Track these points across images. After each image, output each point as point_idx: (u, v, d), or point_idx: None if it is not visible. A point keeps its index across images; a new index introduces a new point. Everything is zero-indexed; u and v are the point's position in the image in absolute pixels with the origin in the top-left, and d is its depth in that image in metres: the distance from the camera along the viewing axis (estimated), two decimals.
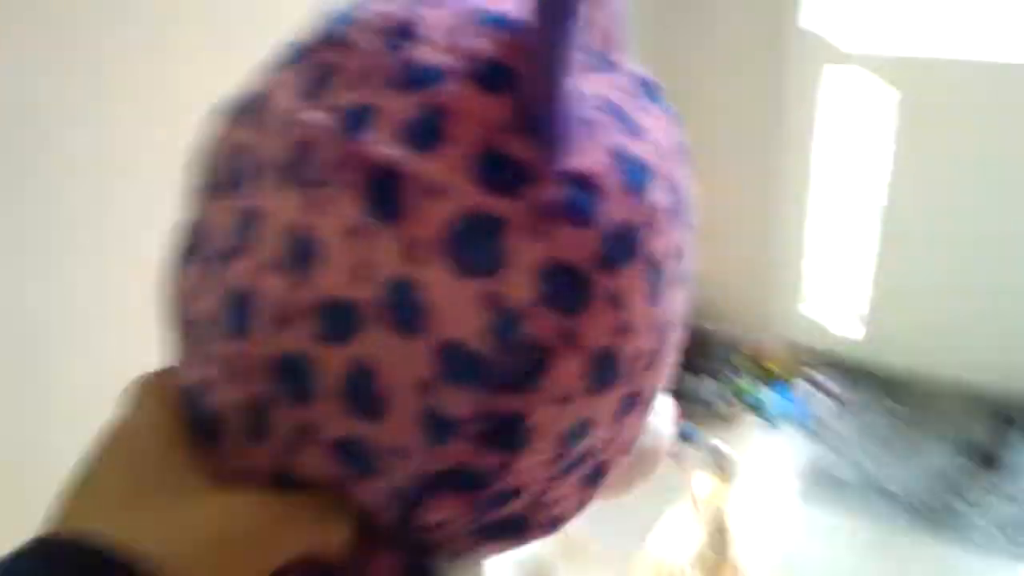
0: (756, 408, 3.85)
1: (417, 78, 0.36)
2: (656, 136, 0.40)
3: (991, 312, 3.58)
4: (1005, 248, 3.43)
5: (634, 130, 0.39)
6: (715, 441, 2.64)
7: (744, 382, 3.87)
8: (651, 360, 0.40)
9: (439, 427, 0.35)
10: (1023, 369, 3.72)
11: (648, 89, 0.42)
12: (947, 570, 3.25)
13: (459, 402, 0.35)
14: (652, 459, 0.50)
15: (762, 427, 3.80)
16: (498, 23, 0.38)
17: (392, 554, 0.40)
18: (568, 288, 0.35)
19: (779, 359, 3.95)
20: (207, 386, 0.39)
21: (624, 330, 0.37)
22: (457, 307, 0.33)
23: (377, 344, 0.34)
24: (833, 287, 3.88)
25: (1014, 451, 3.58)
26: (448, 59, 0.36)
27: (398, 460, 0.36)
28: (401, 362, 0.34)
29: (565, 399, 0.36)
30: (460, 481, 0.37)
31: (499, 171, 0.34)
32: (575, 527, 0.46)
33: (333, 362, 0.34)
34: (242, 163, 0.39)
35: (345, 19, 0.40)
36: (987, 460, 3.61)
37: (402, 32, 0.37)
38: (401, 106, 0.35)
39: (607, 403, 0.39)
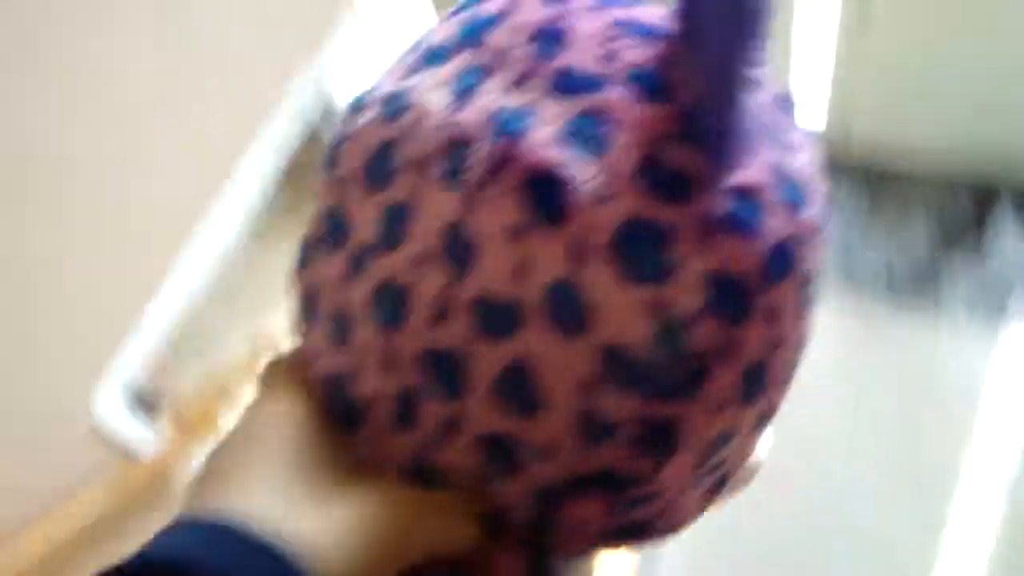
0: None
1: (576, 84, 0.36)
2: (804, 153, 0.42)
3: (970, 80, 3.50)
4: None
5: (788, 145, 0.40)
6: None
7: None
8: (788, 375, 0.42)
9: (595, 429, 0.36)
10: (1006, 139, 3.71)
11: (786, 105, 0.43)
12: (925, 347, 3.50)
13: (618, 406, 0.35)
14: (750, 474, 0.50)
15: None
16: (651, 33, 0.38)
17: (518, 552, 0.40)
18: (732, 299, 0.36)
19: None
20: (352, 375, 0.39)
21: (777, 344, 0.39)
22: (622, 312, 0.34)
23: (537, 343, 0.34)
24: (802, 63, 3.81)
25: (997, 225, 3.69)
26: (605, 67, 0.37)
27: (547, 460, 0.36)
28: (562, 362, 0.35)
29: (719, 408, 0.37)
30: (607, 483, 0.37)
31: (665, 179, 0.35)
32: None
33: (490, 358, 0.35)
34: (391, 159, 0.39)
35: (488, 22, 0.40)
36: (968, 236, 3.67)
37: (554, 38, 0.38)
38: (561, 110, 0.36)
39: (750, 414, 0.40)
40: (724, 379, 0.37)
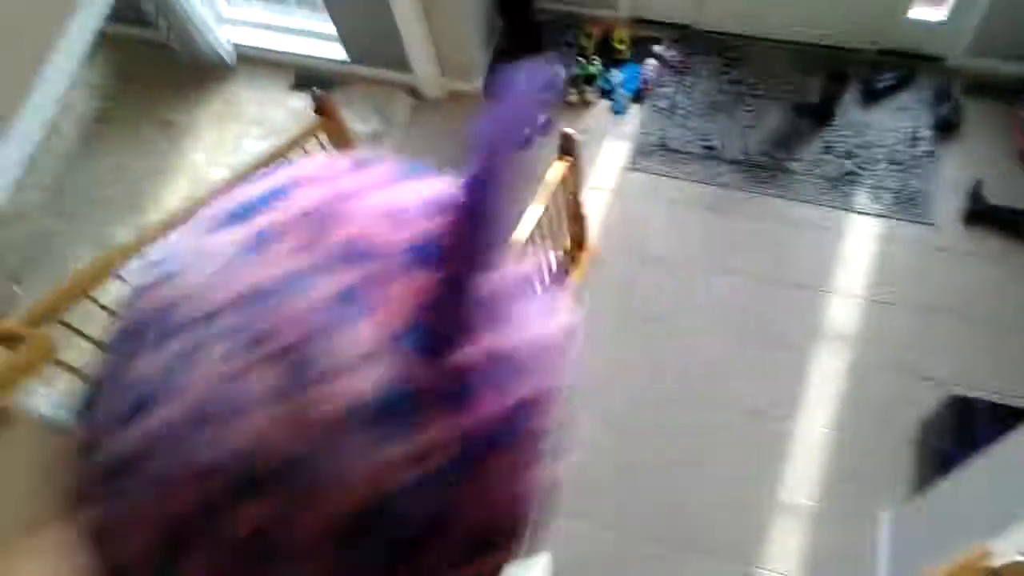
0: (602, 89, 4.09)
1: (356, 254, 0.39)
2: (542, 328, 0.45)
3: None
4: None
5: (519, 323, 0.43)
6: (567, 129, 2.84)
7: (590, 65, 4.07)
8: (520, 532, 0.44)
9: None
10: (854, 23, 3.90)
11: (530, 285, 0.46)
12: (780, 221, 3.66)
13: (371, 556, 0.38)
14: None
15: (609, 107, 4.08)
16: (432, 207, 0.42)
17: None
18: (470, 458, 0.39)
19: (623, 38, 4.15)
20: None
21: (507, 499, 0.42)
22: (358, 477, 0.36)
23: (271, 509, 0.36)
24: None
25: (842, 106, 3.86)
26: (386, 238, 0.40)
27: None
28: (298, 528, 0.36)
29: (453, 567, 0.40)
30: None
31: (420, 344, 0.37)
32: None
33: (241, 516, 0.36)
34: (164, 321, 0.40)
35: (272, 197, 0.43)
36: (820, 116, 3.86)
37: (330, 213, 0.41)
38: (331, 279, 0.38)
39: (489, 562, 0.43)
40: (442, 548, 0.39)
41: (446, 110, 4.17)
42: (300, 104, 4.26)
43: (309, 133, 3.13)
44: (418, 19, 3.74)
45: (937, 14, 3.78)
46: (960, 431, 2.79)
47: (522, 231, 2.69)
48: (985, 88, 3.81)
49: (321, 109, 3.13)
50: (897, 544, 2.87)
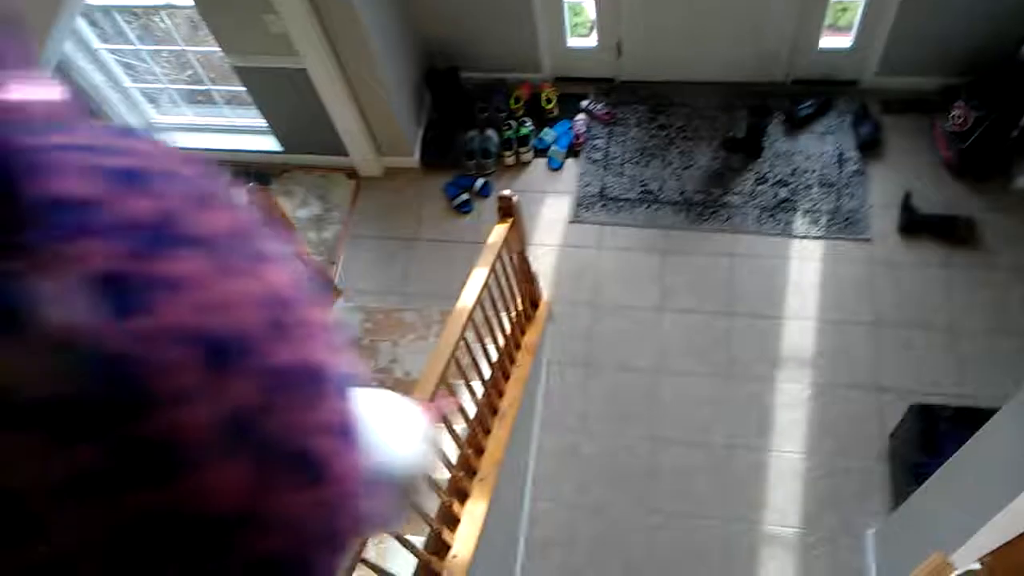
0: (539, 149, 4.16)
1: None
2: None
3: (727, 13, 3.84)
4: None
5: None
6: (505, 192, 2.86)
7: (523, 126, 4.14)
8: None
9: None
10: (769, 59, 4.05)
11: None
12: (726, 254, 3.72)
13: None
14: None
15: (546, 165, 4.14)
16: None
17: None
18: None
19: (553, 96, 4.23)
20: None
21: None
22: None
23: None
24: (592, 19, 4.11)
25: (769, 138, 3.98)
26: None
27: None
28: None
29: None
30: None
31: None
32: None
33: None
34: None
35: None
36: (749, 150, 3.97)
37: None
38: None
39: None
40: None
41: (386, 186, 4.21)
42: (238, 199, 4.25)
43: None
44: (348, 105, 3.80)
45: (844, 41, 3.94)
46: (925, 439, 2.81)
47: (469, 296, 2.69)
48: (900, 104, 3.97)
49: (257, 202, 3.14)
50: (884, 559, 2.85)
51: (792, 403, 3.32)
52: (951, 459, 2.33)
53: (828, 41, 3.95)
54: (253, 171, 4.25)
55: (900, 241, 3.61)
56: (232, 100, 4.31)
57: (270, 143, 4.26)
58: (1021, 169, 3.62)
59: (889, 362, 3.33)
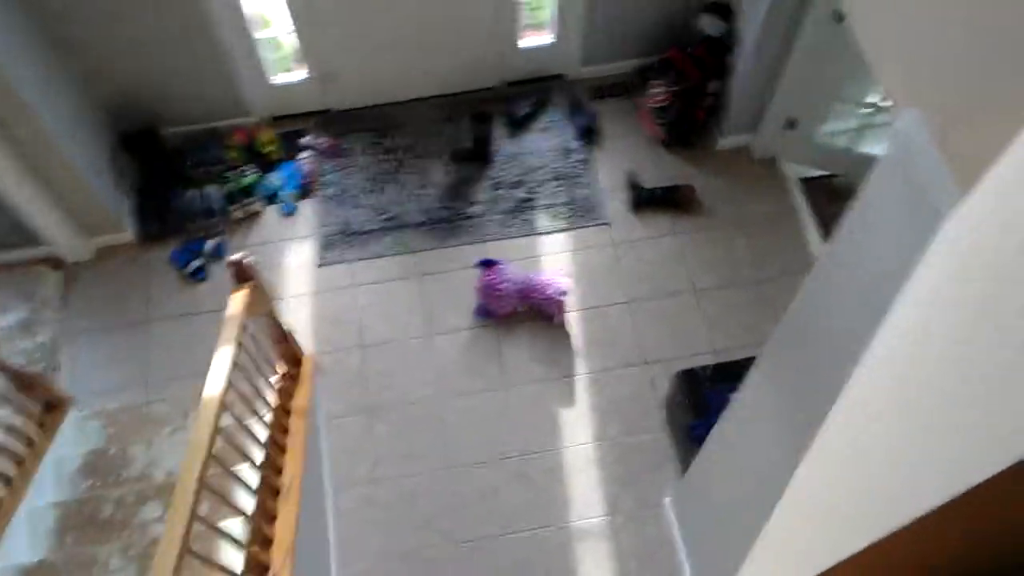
0: (268, 196, 3.93)
1: None
2: None
3: (429, 27, 3.85)
4: None
5: None
6: (234, 256, 2.64)
7: (245, 175, 3.90)
8: None
9: None
10: (477, 66, 4.14)
11: None
12: (476, 265, 3.55)
13: None
14: None
15: (277, 210, 3.93)
16: None
17: None
18: None
19: (269, 139, 4.02)
20: None
21: None
22: None
23: None
24: (296, 49, 3.95)
25: (495, 144, 4.04)
26: None
27: None
28: None
29: None
30: None
31: None
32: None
33: None
34: None
35: None
36: (479, 158, 4.02)
37: None
38: None
39: None
40: None
41: (102, 269, 3.74)
42: None
43: None
44: (32, 189, 3.32)
45: (546, 38, 4.08)
46: (693, 402, 2.97)
47: (215, 381, 2.42)
48: (607, 90, 4.19)
49: None
50: (683, 524, 2.98)
51: (573, 397, 3.38)
52: (719, 418, 2.46)
53: (531, 40, 4.08)
54: None
55: (634, 219, 3.81)
56: None
57: None
58: (720, 131, 3.97)
59: (649, 335, 3.50)
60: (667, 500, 3.10)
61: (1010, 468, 0.74)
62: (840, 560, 1.16)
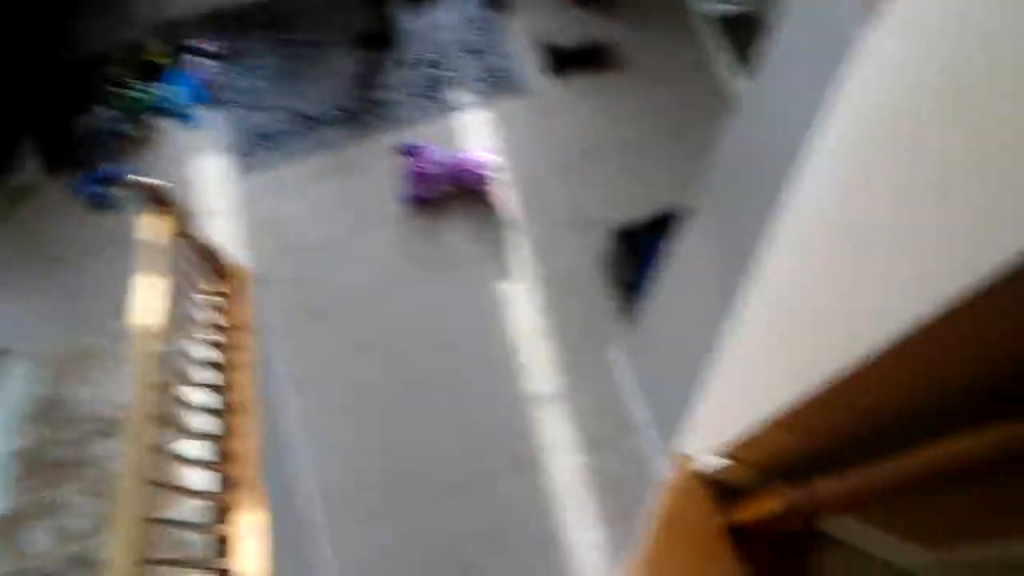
0: (163, 110, 3.69)
1: None
2: None
3: None
4: None
5: None
6: (137, 178, 2.43)
7: (136, 91, 3.66)
8: None
9: None
10: None
11: None
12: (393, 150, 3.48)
13: None
14: None
15: (179, 124, 3.70)
16: None
17: None
18: None
19: (160, 49, 3.78)
20: None
21: None
22: None
23: None
24: None
25: (398, 23, 3.86)
26: None
27: None
28: None
29: None
30: None
31: None
32: None
33: None
34: None
35: None
36: (384, 40, 3.84)
37: None
38: None
39: None
40: None
41: (5, 213, 3.52)
42: None
43: None
44: None
45: None
46: (631, 258, 2.99)
47: (146, 305, 2.34)
48: None
49: None
50: (639, 373, 3.06)
51: (513, 266, 3.37)
52: (660, 273, 2.48)
53: None
54: None
55: (553, 82, 3.70)
56: None
57: None
58: None
59: (587, 198, 3.47)
60: (617, 354, 3.16)
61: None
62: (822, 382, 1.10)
